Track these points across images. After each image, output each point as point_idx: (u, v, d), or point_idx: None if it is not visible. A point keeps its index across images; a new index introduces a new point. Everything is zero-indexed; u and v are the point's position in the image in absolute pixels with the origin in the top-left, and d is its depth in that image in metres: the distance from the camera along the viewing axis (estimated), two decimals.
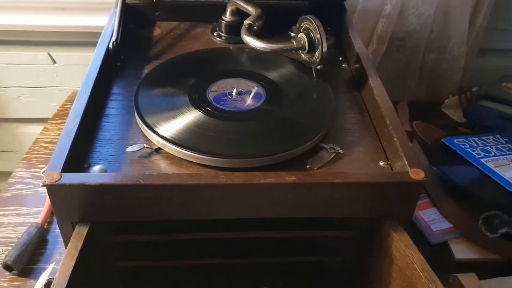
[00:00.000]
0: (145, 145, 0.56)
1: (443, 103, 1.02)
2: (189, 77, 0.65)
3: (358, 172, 0.53)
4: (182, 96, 0.61)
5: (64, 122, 0.94)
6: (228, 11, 0.78)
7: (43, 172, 0.76)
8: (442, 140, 0.83)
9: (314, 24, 0.64)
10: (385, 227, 0.53)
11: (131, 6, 0.80)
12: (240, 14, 0.78)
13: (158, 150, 0.56)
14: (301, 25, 0.67)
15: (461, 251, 0.71)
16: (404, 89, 1.04)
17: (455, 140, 0.83)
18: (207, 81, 0.65)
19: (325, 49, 0.63)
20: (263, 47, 0.65)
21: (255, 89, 0.63)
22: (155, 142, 0.56)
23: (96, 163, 0.54)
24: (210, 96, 0.62)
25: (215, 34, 0.80)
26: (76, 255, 0.46)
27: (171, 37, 0.80)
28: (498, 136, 0.86)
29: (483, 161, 0.78)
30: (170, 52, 0.76)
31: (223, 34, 0.79)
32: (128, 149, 0.55)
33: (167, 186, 0.48)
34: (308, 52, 0.66)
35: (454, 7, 0.90)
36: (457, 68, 0.99)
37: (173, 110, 0.59)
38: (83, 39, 1.03)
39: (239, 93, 0.63)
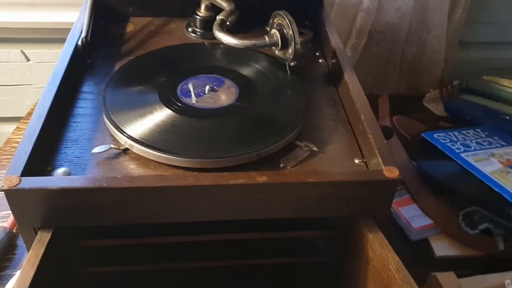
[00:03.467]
0: (112, 146, 0.54)
1: (424, 97, 1.02)
2: (160, 74, 0.63)
3: (331, 171, 0.51)
4: (152, 94, 0.59)
5: None
6: (203, 6, 0.76)
7: None
8: (422, 134, 0.82)
9: (287, 20, 0.62)
10: (360, 226, 0.52)
11: (103, 2, 0.78)
12: (215, 10, 0.76)
13: (126, 150, 0.54)
14: (274, 20, 0.66)
15: (442, 248, 0.70)
16: (385, 83, 1.03)
17: (435, 135, 0.82)
18: (179, 78, 0.63)
19: (298, 46, 0.62)
20: (235, 43, 0.63)
21: (227, 84, 0.62)
22: (122, 143, 0.54)
23: (61, 166, 0.51)
24: (181, 93, 0.60)
25: (190, 29, 0.77)
26: (37, 263, 0.44)
27: (145, 33, 0.77)
28: (478, 130, 0.85)
29: (463, 156, 0.77)
30: (143, 48, 0.73)
31: (198, 30, 0.77)
32: (94, 150, 0.53)
33: (132, 189, 0.46)
34: (281, 49, 0.65)
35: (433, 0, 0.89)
36: (437, 61, 0.98)
37: (142, 108, 0.57)
38: (57, 36, 1.00)
39: (211, 90, 0.61)
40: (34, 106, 0.94)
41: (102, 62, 0.69)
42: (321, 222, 0.56)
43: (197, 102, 0.59)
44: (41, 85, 1.06)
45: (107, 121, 0.56)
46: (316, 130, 0.59)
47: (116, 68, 0.68)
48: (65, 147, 0.54)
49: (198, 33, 0.77)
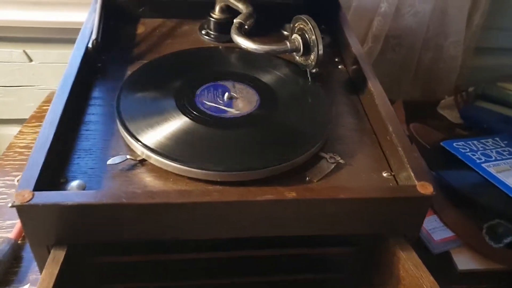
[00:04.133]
0: (128, 157, 0.51)
1: (439, 104, 0.99)
2: (176, 80, 0.60)
3: (362, 186, 0.49)
4: (169, 101, 0.56)
5: (42, 125, 0.89)
6: (217, 8, 0.73)
7: (17, 181, 0.71)
8: (441, 143, 0.80)
9: (310, 24, 0.59)
10: (391, 245, 0.49)
11: (113, 2, 0.75)
12: (230, 12, 0.73)
13: (143, 161, 0.51)
14: (295, 25, 0.63)
15: (464, 261, 0.68)
16: (399, 89, 1.01)
17: (454, 144, 0.79)
18: (196, 84, 0.60)
19: (321, 52, 0.59)
20: (254, 48, 0.60)
21: (246, 92, 0.59)
22: (139, 153, 0.51)
23: (74, 178, 0.48)
24: (199, 101, 0.57)
25: (203, 32, 0.74)
26: (52, 283, 0.41)
27: (156, 35, 0.74)
28: (497, 139, 0.83)
29: (485, 166, 0.74)
30: (155, 51, 0.70)
31: (212, 33, 0.74)
32: (109, 162, 0.50)
33: (153, 205, 0.43)
34: (302, 54, 0.62)
35: (452, 5, 0.86)
36: (454, 68, 0.96)
37: (158, 116, 0.54)
38: (61, 36, 0.97)
39: (230, 98, 0.58)
40: (38, 109, 0.91)
41: (113, 65, 0.66)
42: (344, 238, 0.54)
43: (216, 110, 0.56)
44: (43, 86, 1.03)
45: (123, 130, 0.53)
46: (340, 141, 0.57)
47: (129, 72, 0.65)
48: (78, 157, 0.51)
49: (212, 36, 0.74)
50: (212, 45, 0.73)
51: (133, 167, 0.51)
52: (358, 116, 0.62)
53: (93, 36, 0.64)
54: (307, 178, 0.51)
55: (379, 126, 0.57)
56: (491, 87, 0.96)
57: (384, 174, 0.52)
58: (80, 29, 0.95)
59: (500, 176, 0.72)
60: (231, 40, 0.72)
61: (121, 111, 0.55)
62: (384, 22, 0.86)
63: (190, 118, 0.54)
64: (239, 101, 0.58)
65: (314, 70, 0.61)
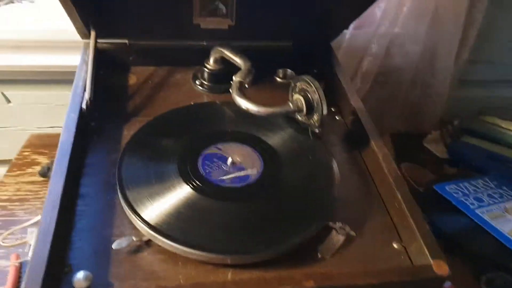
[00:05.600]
0: (134, 239, 0.49)
1: (426, 137, 1.00)
2: (177, 145, 0.58)
3: (378, 270, 0.48)
4: (174, 174, 0.54)
5: (24, 173, 0.84)
6: (212, 59, 0.71)
7: (2, 240, 0.67)
8: (434, 187, 0.80)
9: (313, 86, 0.58)
10: None
11: (102, 50, 0.72)
12: (224, 62, 0.71)
13: (148, 242, 0.49)
14: (297, 84, 0.61)
15: None
16: (383, 122, 1.01)
17: (447, 188, 0.80)
18: (197, 149, 0.58)
19: (325, 112, 0.58)
20: (256, 111, 0.58)
21: (249, 154, 0.58)
22: (144, 233, 0.49)
23: (79, 265, 0.46)
24: (204, 169, 0.55)
25: (197, 82, 0.73)
26: None
27: (149, 87, 0.72)
28: (486, 179, 0.84)
29: (478, 212, 0.75)
30: (150, 106, 0.68)
31: (206, 83, 0.72)
32: (114, 246, 0.48)
33: None
34: (305, 114, 0.61)
35: (442, 46, 0.87)
36: (440, 102, 0.97)
37: (164, 193, 0.52)
38: (39, 78, 0.92)
39: (233, 163, 0.57)
40: (19, 155, 0.87)
41: (107, 124, 0.63)
42: None
43: (221, 179, 0.55)
44: (21, 127, 0.99)
45: (126, 207, 0.50)
46: (346, 206, 0.56)
47: (124, 132, 0.63)
48: (79, 240, 0.49)
49: (206, 87, 0.72)
50: (206, 96, 0.71)
51: (138, 248, 0.49)
52: (361, 175, 0.61)
53: (87, 96, 0.61)
54: (319, 255, 0.50)
55: (386, 191, 0.57)
56: (475, 121, 0.98)
57: (395, 245, 0.52)
58: (58, 72, 0.91)
59: (495, 223, 0.73)
60: (226, 91, 0.71)
61: (123, 184, 0.52)
62: (374, 62, 0.87)
63: (196, 191, 0.52)
64: (243, 166, 0.57)
65: (317, 131, 0.60)
